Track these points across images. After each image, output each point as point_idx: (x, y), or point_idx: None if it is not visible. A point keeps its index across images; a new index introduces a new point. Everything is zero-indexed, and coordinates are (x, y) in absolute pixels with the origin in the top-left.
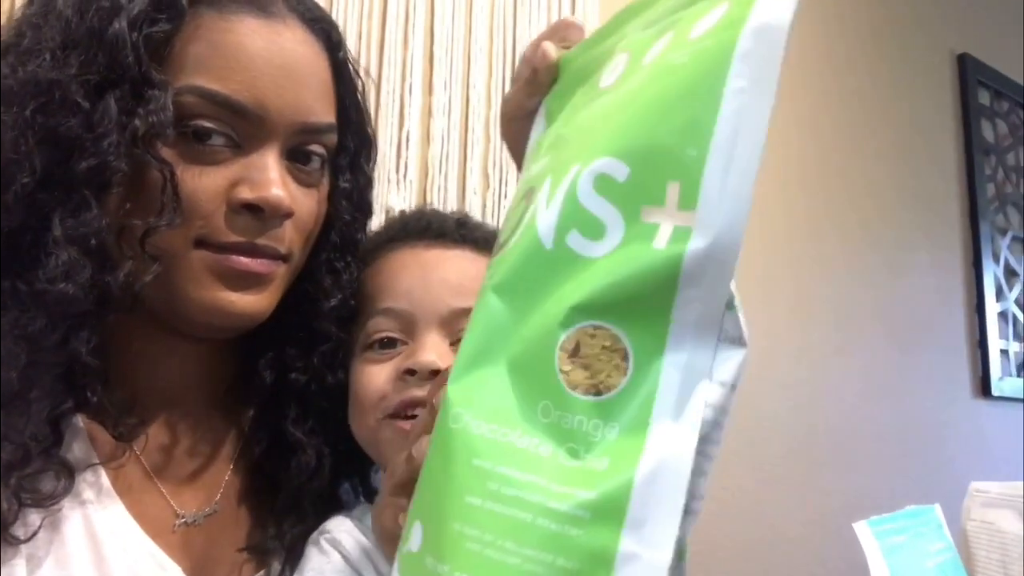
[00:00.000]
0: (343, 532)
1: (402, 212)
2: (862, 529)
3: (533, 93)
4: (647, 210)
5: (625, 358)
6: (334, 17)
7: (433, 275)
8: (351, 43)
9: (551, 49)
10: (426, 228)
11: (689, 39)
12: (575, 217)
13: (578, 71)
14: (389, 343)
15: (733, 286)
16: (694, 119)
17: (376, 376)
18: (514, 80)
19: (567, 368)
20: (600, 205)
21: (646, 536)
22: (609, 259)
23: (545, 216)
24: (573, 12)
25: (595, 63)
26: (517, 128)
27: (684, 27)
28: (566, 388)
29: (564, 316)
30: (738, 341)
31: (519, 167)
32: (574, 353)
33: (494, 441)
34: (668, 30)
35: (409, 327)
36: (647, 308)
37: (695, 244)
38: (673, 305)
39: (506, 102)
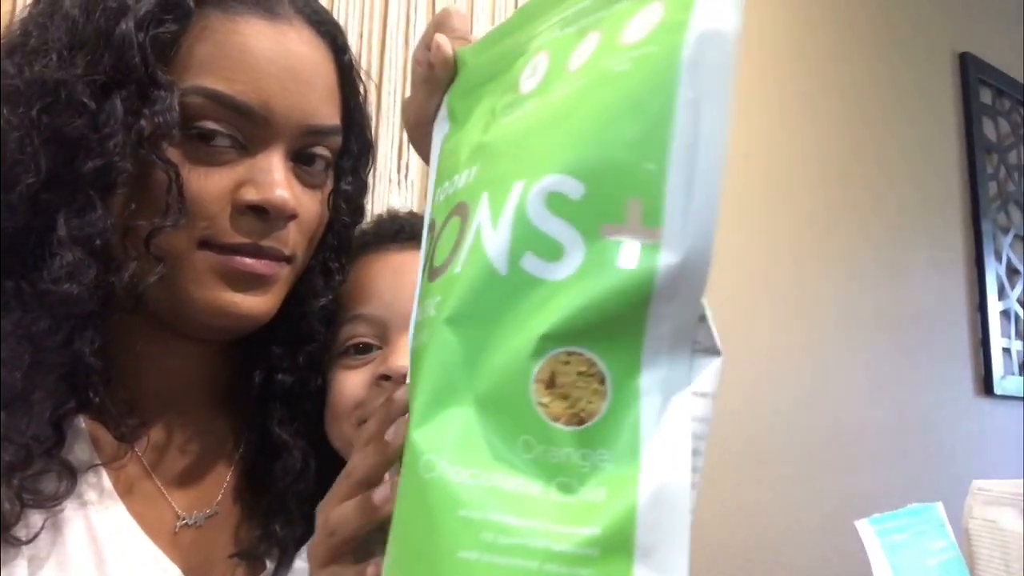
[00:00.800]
0: None
1: (378, 217)
2: (864, 527)
3: (432, 92)
4: (607, 228)
5: (602, 381)
6: (335, 17)
7: (405, 278)
8: (352, 43)
9: (446, 43)
10: (398, 231)
11: (623, 44)
12: (529, 239)
13: (481, 68)
14: (364, 348)
15: (704, 299)
16: (648, 133)
17: (352, 382)
18: (412, 84)
19: (545, 400)
20: (555, 225)
21: (658, 563)
22: (573, 281)
23: (494, 239)
24: None
25: (502, 60)
26: (425, 133)
27: (612, 29)
28: (547, 420)
29: (535, 346)
30: (712, 350)
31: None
32: (550, 383)
33: (477, 487)
34: (591, 30)
35: (383, 332)
36: (620, 328)
37: (666, 260)
38: (646, 323)
39: (406, 109)
